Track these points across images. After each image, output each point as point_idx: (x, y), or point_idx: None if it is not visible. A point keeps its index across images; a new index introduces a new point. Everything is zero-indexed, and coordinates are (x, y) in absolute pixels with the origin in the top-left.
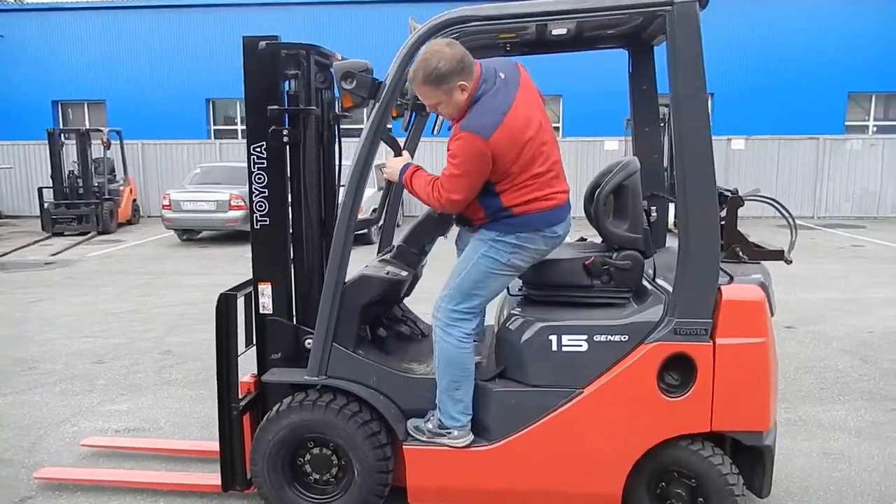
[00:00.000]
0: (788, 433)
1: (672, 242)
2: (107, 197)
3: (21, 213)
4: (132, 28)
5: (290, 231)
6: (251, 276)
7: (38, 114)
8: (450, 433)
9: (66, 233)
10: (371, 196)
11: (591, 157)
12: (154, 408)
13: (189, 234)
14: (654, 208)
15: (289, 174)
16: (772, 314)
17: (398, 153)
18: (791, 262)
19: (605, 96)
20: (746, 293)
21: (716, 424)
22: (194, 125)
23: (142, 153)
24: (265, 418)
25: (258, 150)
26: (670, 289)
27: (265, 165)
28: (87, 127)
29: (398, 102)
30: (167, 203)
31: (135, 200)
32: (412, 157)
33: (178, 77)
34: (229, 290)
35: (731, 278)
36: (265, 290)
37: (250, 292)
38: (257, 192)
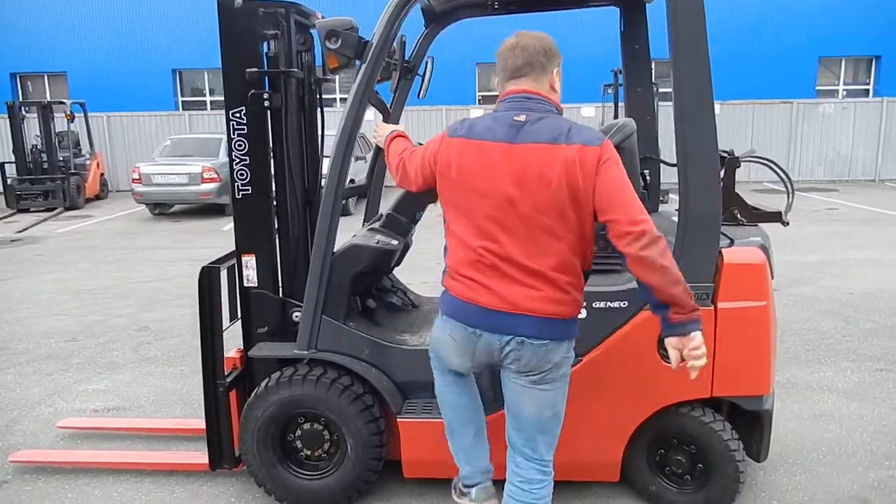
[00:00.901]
0: (778, 396)
1: (664, 207)
2: (73, 171)
3: None
4: None
5: (274, 200)
6: (234, 248)
7: None
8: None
9: (31, 209)
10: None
11: None
12: (133, 386)
13: (161, 209)
14: (647, 172)
15: (271, 141)
16: (771, 277)
17: (387, 117)
18: (788, 223)
19: (581, 62)
20: (748, 256)
21: (716, 390)
22: (161, 97)
23: (107, 126)
24: (253, 394)
25: (237, 115)
26: None
27: (245, 132)
28: (49, 100)
29: (385, 63)
30: (137, 177)
31: (102, 174)
32: (397, 122)
33: (143, 47)
34: (212, 262)
35: (732, 241)
36: (249, 262)
37: (234, 265)
38: (238, 160)
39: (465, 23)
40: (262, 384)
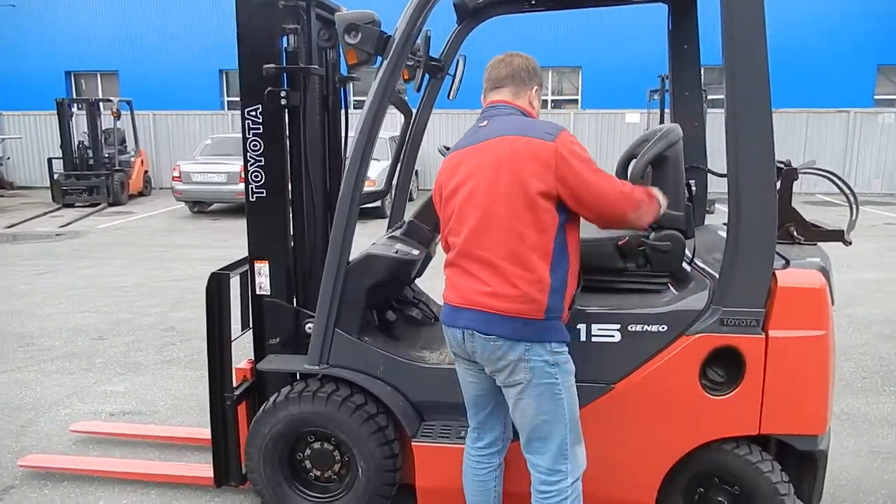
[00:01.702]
0: (832, 429)
1: (709, 219)
2: (117, 168)
3: (33, 184)
4: None
5: (291, 204)
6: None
7: (52, 85)
8: None
9: (76, 204)
10: (384, 169)
11: (612, 130)
12: (152, 388)
13: (200, 207)
14: (693, 182)
15: (288, 141)
16: (832, 303)
17: (409, 118)
18: (850, 243)
19: (627, 67)
20: (805, 279)
21: (765, 427)
22: (207, 96)
23: (153, 124)
24: (261, 409)
25: (253, 113)
26: (715, 273)
27: (261, 131)
28: (91, 96)
29: (409, 62)
30: (177, 175)
31: (146, 172)
32: (424, 127)
33: (192, 48)
34: (222, 268)
35: (787, 262)
36: (262, 269)
37: (246, 271)
38: (253, 161)
39: (501, 22)
40: (271, 399)
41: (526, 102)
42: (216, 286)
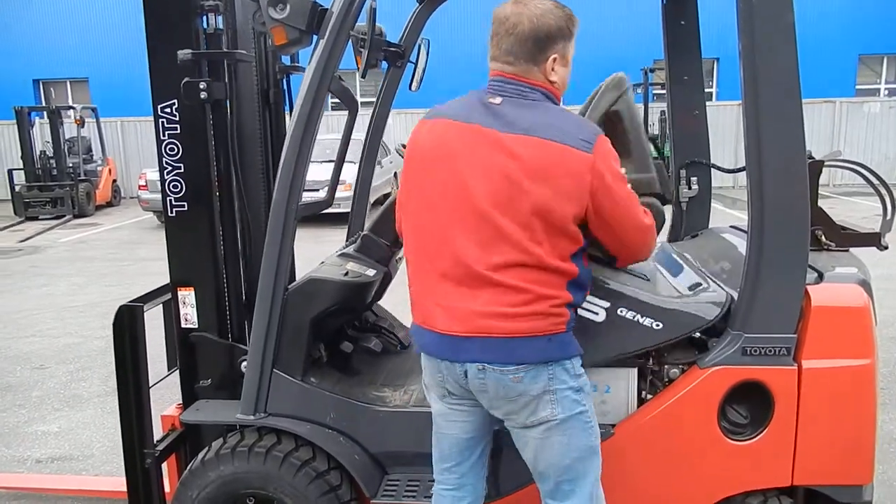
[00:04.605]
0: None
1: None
2: (82, 178)
3: None
4: (116, 1)
5: (220, 219)
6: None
7: (19, 93)
8: None
9: (40, 216)
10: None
11: None
12: (90, 427)
13: None
14: (694, 179)
15: (213, 143)
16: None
17: (353, 110)
18: (887, 247)
19: (606, 59)
20: (844, 296)
21: (798, 477)
22: None
23: (121, 131)
24: (187, 469)
25: (168, 110)
26: (730, 290)
27: (178, 131)
28: (60, 104)
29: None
30: (143, 183)
31: (115, 181)
32: (384, 123)
33: None
34: (135, 299)
35: (821, 276)
36: (187, 297)
37: (169, 300)
38: (170, 168)
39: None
40: (199, 456)
41: (543, 77)
42: (127, 322)
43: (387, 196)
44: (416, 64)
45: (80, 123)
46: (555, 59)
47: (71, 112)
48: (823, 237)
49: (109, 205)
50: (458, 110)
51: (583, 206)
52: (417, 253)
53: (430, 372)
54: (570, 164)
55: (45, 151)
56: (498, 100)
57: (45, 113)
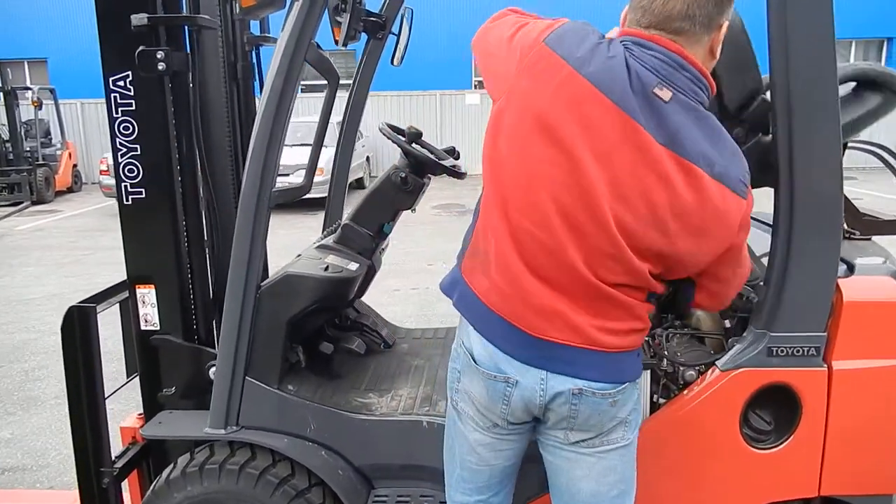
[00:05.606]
0: None
1: None
2: (41, 163)
3: None
4: None
5: (182, 207)
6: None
7: None
8: None
9: None
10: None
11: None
12: (46, 433)
13: None
14: None
15: (174, 121)
16: None
17: (334, 82)
18: None
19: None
20: (878, 290)
21: (826, 486)
22: None
23: (82, 113)
24: (150, 489)
25: (121, 83)
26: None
27: (133, 108)
28: (16, 85)
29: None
30: (105, 168)
31: (75, 166)
32: (364, 100)
33: None
34: (87, 299)
35: (851, 268)
36: (146, 295)
37: (127, 299)
38: (124, 150)
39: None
40: (164, 475)
41: (705, 53)
42: (78, 324)
43: (359, 181)
44: (398, 36)
45: (38, 105)
46: (720, 30)
47: (28, 93)
48: (847, 225)
49: (70, 191)
50: (610, 83)
51: (718, 254)
52: (502, 220)
53: (487, 402)
54: (728, 215)
55: None
56: (667, 94)
57: None
